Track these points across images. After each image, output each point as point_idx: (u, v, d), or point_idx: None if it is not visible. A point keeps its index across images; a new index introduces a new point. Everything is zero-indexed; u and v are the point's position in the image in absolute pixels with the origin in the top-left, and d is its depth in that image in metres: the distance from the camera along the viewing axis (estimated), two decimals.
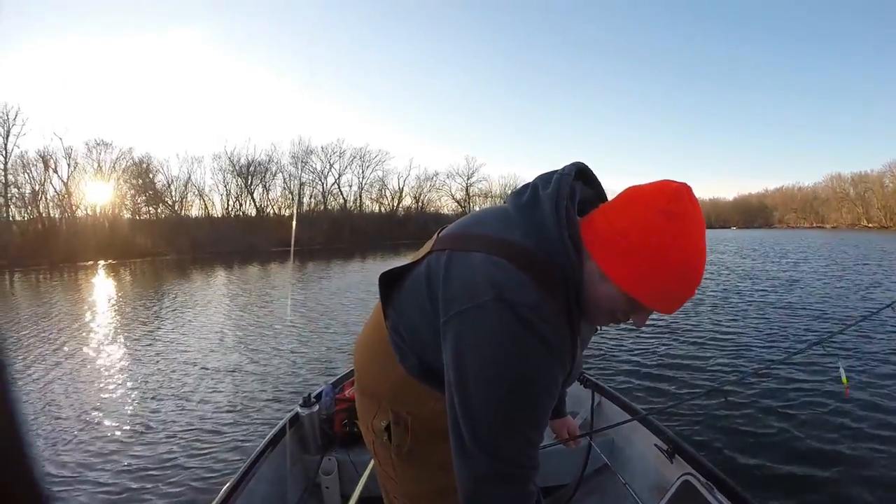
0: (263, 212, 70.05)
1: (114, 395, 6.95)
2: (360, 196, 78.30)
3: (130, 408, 6.42)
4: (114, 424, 5.86)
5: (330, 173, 75.15)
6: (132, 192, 62.14)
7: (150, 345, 10.14)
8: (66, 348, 10.05)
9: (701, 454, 2.50)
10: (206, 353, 9.10)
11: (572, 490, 2.98)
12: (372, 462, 1.50)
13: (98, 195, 58.95)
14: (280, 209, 71.81)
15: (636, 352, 7.65)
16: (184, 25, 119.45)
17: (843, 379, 2.69)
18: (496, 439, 1.03)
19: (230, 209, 68.57)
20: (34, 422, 5.83)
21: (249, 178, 69.49)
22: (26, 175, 53.13)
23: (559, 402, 1.87)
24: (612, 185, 1.25)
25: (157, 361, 8.70)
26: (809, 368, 6.41)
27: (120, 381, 7.65)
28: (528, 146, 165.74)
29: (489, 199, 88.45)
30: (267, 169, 70.92)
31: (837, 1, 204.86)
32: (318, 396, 3.29)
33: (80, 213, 57.23)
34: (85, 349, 9.93)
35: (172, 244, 52.05)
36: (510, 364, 1.02)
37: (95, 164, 59.21)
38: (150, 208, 63.27)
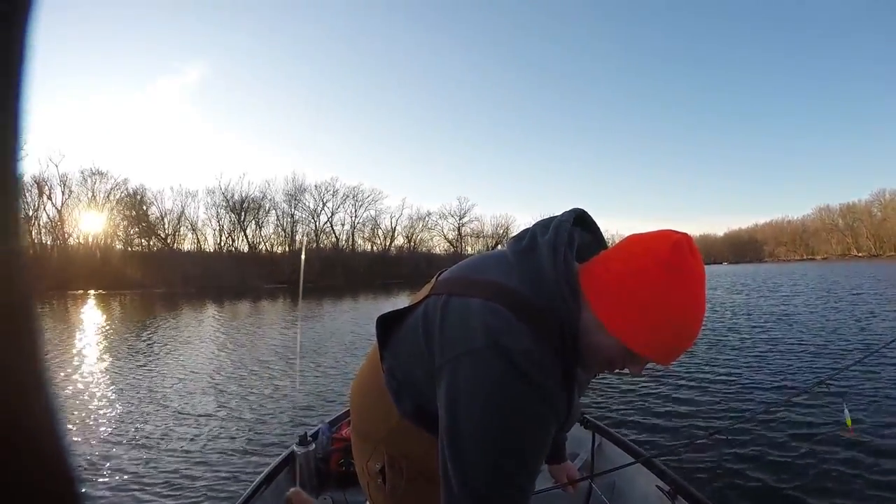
0: (256, 248, 70.17)
1: (104, 432, 6.77)
2: (353, 235, 78.98)
3: (121, 443, 6.25)
4: (101, 462, 5.73)
5: (323, 211, 75.81)
6: (125, 223, 62.26)
7: (140, 379, 9.98)
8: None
9: (704, 497, 2.48)
10: (198, 390, 8.94)
11: None
12: (367, 503, 1.49)
13: (91, 224, 59.10)
14: (272, 246, 72.05)
15: (635, 392, 7.51)
16: (184, 63, 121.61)
17: (848, 420, 2.68)
18: (486, 487, 1.01)
19: (222, 244, 68.75)
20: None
21: (243, 213, 69.86)
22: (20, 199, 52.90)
23: (558, 447, 1.86)
24: (604, 227, 1.29)
25: (148, 396, 8.56)
26: (812, 408, 6.21)
27: (109, 416, 7.50)
28: (521, 187, 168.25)
29: (481, 239, 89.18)
30: (260, 205, 71.49)
31: (820, 39, 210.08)
32: (315, 435, 3.28)
33: (72, 241, 57.23)
34: (71, 381, 9.76)
35: (163, 277, 51.77)
36: (503, 412, 1.00)
37: (90, 193, 59.67)
38: (143, 240, 63.28)
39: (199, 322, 22.17)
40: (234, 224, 69.64)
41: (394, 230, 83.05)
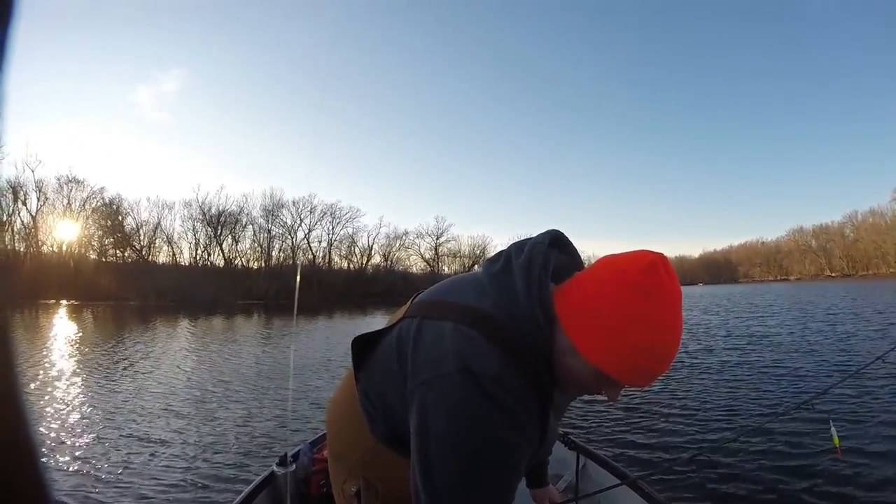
0: (231, 263, 69.30)
1: (70, 452, 6.58)
2: (330, 252, 78.38)
3: (86, 467, 6.04)
4: (72, 478, 5.61)
5: (300, 228, 75.27)
6: (100, 232, 61.32)
7: (109, 395, 9.76)
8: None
9: None
10: (173, 408, 8.75)
11: None
12: None
13: (65, 232, 58.07)
14: (248, 261, 71.24)
15: (620, 413, 7.43)
16: (163, 72, 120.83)
17: (835, 439, 2.68)
18: None
19: (198, 258, 67.79)
20: None
21: (219, 228, 69.02)
22: None
23: (540, 470, 1.81)
24: (581, 249, 1.29)
25: (121, 414, 8.33)
26: (798, 428, 6.13)
27: (77, 435, 7.28)
28: (498, 209, 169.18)
29: (458, 258, 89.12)
30: (237, 220, 70.68)
31: (794, 59, 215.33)
32: (296, 456, 3.21)
33: (45, 249, 56.20)
34: (37, 396, 9.51)
35: (137, 290, 50.87)
36: (472, 438, 0.98)
37: (66, 201, 58.59)
38: (118, 251, 62.28)
39: (171, 337, 21.78)
40: (210, 238, 68.93)
41: (371, 248, 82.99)
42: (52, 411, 8.51)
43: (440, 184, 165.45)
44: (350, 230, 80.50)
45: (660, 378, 1.09)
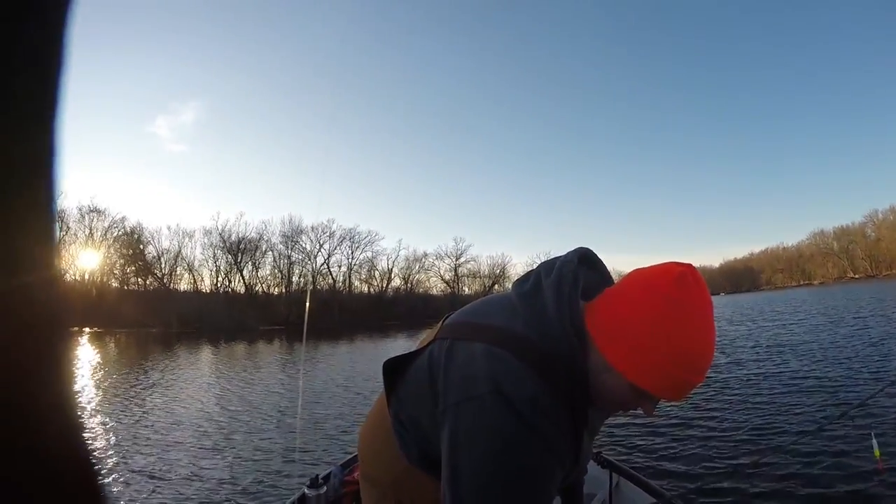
0: (252, 289, 69.81)
1: (108, 472, 6.63)
2: (350, 276, 78.55)
3: (125, 484, 6.15)
4: None
5: (320, 253, 75.71)
6: (122, 261, 62.18)
7: (136, 420, 9.85)
8: None
9: None
10: (205, 431, 8.83)
11: None
12: None
13: (87, 261, 58.94)
14: (269, 287, 71.77)
15: (653, 429, 7.26)
16: (182, 103, 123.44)
17: (876, 451, 2.58)
18: None
19: (219, 285, 68.41)
20: None
21: (240, 255, 69.69)
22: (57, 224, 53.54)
23: (576, 491, 1.77)
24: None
25: (146, 439, 8.41)
26: (838, 440, 5.93)
27: (112, 459, 7.32)
28: (517, 227, 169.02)
29: (478, 279, 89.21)
30: (257, 247, 71.31)
31: (810, 59, 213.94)
32: (327, 478, 3.19)
33: (67, 277, 57.02)
34: None
35: (159, 317, 51.53)
36: (504, 460, 0.97)
37: (87, 231, 59.61)
38: (139, 279, 63.10)
39: (194, 364, 22.01)
40: (230, 265, 69.45)
41: (390, 271, 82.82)
42: (88, 431, 8.48)
43: (457, 203, 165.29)
44: (369, 254, 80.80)
45: (693, 392, 1.04)
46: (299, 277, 73.32)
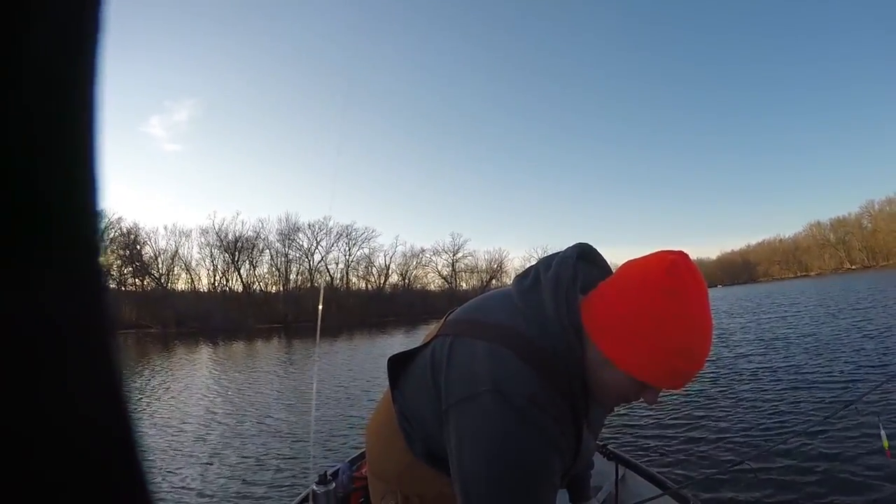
0: (250, 288, 69.74)
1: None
2: (347, 273, 78.48)
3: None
4: None
5: (317, 250, 75.67)
6: (119, 262, 61.99)
7: (146, 420, 9.86)
8: None
9: None
10: (210, 429, 8.89)
11: None
12: None
13: None
14: (267, 286, 71.69)
15: (658, 420, 7.27)
16: (176, 101, 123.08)
17: (885, 441, 2.58)
18: None
19: (216, 284, 68.30)
20: None
21: (237, 253, 69.58)
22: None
23: (582, 485, 1.78)
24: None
25: (159, 435, 8.48)
26: (845, 430, 5.92)
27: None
28: (514, 221, 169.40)
29: (475, 274, 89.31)
30: (254, 245, 71.18)
31: (804, 51, 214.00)
32: (336, 474, 3.19)
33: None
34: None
35: (157, 317, 51.59)
36: (507, 457, 0.99)
37: None
38: (137, 280, 62.97)
39: (194, 363, 22.06)
40: (227, 264, 69.33)
41: (388, 268, 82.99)
42: None
43: (454, 199, 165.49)
44: (367, 251, 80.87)
45: (697, 384, 1.04)
46: (297, 275, 73.37)
